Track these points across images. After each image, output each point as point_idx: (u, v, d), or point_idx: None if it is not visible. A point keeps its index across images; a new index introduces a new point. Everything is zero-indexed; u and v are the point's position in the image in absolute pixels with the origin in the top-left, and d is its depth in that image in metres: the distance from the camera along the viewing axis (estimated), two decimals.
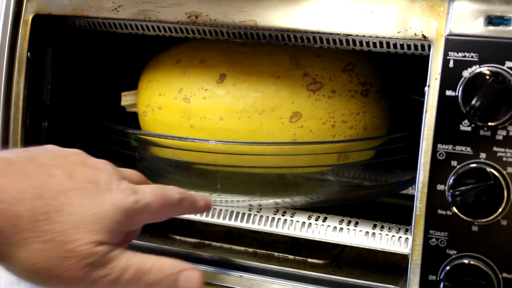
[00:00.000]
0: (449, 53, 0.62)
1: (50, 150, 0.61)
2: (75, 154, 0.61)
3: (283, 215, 0.72)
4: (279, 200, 0.74)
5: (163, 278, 0.58)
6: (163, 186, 0.63)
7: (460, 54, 0.62)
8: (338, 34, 0.67)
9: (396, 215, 0.74)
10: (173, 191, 0.63)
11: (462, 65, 0.61)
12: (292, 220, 0.71)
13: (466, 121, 0.62)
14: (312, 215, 0.71)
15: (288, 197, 0.74)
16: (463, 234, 0.62)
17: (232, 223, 0.73)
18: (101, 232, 0.56)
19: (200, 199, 0.66)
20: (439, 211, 0.63)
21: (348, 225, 0.70)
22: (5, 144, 0.77)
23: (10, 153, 0.58)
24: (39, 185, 0.55)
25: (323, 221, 0.71)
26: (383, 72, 0.79)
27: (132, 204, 0.58)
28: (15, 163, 0.56)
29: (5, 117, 0.77)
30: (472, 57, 0.61)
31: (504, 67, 0.60)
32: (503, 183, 0.61)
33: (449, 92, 0.62)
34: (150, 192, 0.60)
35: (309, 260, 0.76)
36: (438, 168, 0.63)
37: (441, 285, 0.63)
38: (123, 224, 0.58)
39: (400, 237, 0.68)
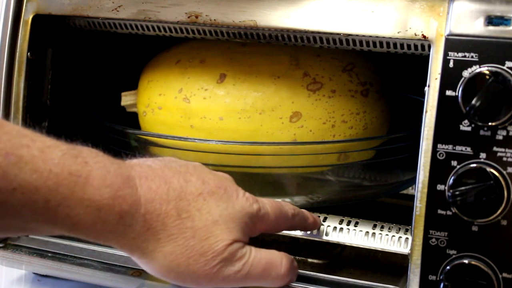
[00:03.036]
0: (449, 53, 0.62)
1: (175, 161, 0.65)
2: (199, 165, 0.66)
3: None
4: (279, 200, 0.74)
5: (285, 272, 0.65)
6: (279, 201, 0.68)
7: (460, 54, 0.62)
8: (338, 34, 0.67)
9: (396, 215, 0.74)
10: (287, 206, 0.68)
11: (462, 65, 0.61)
12: None
13: (466, 121, 0.62)
14: None
15: (288, 197, 0.74)
16: (463, 234, 0.62)
17: None
18: (234, 230, 0.62)
19: (309, 216, 0.70)
20: (439, 211, 0.63)
21: (348, 225, 0.70)
22: None
23: (147, 161, 0.63)
24: (180, 188, 0.61)
25: (323, 221, 0.71)
26: (383, 72, 0.79)
27: (257, 211, 0.64)
28: (155, 169, 0.61)
29: (5, 117, 0.77)
30: (472, 57, 0.61)
31: (504, 67, 0.60)
32: (503, 183, 0.61)
33: (449, 92, 0.62)
34: (268, 203, 0.66)
35: (309, 260, 0.76)
36: (438, 168, 0.63)
37: (441, 285, 0.63)
38: (249, 227, 0.64)
39: (400, 237, 0.68)
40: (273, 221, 0.66)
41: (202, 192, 0.62)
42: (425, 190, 0.63)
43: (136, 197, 0.58)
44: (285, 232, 0.71)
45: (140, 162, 0.62)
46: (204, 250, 0.60)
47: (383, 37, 0.66)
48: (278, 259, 0.64)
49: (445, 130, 0.62)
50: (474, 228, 0.62)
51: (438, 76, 0.62)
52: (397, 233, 0.68)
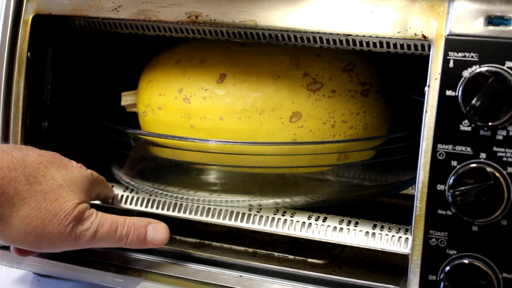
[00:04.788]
0: (449, 53, 0.62)
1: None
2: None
3: (283, 215, 0.72)
4: (279, 200, 0.74)
5: (134, 230, 0.71)
6: None
7: (460, 54, 0.62)
8: (338, 34, 0.67)
9: (396, 215, 0.74)
10: None
11: (462, 65, 0.62)
12: (292, 220, 0.71)
13: (466, 121, 0.62)
14: (312, 215, 0.71)
15: (288, 197, 0.74)
16: (463, 234, 0.62)
17: (232, 223, 0.73)
18: (78, 192, 0.69)
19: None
20: (439, 211, 0.63)
21: (348, 225, 0.70)
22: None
23: None
24: (21, 158, 0.67)
25: (323, 221, 0.71)
26: (383, 72, 0.79)
27: (91, 174, 0.73)
28: None
29: (5, 117, 0.77)
30: (472, 57, 0.61)
31: (504, 67, 0.60)
32: (503, 183, 0.61)
33: (449, 92, 0.62)
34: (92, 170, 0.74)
35: (309, 260, 0.76)
36: (438, 168, 0.63)
37: (441, 285, 0.63)
38: (89, 189, 0.71)
39: (400, 237, 0.68)
40: (103, 182, 0.75)
41: (42, 161, 0.68)
42: (425, 190, 0.63)
43: None
44: (285, 232, 0.71)
45: None
46: (56, 211, 0.66)
47: (383, 37, 0.66)
48: (120, 220, 0.70)
49: (445, 130, 0.62)
50: (474, 228, 0.62)
51: (438, 76, 0.62)
52: (397, 233, 0.68)
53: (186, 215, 0.74)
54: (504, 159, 0.61)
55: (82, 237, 0.68)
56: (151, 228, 0.72)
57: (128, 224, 0.71)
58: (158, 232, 0.72)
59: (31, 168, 0.67)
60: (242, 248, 0.78)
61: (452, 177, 0.62)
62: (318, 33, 0.68)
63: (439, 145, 0.62)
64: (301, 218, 0.71)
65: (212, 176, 0.78)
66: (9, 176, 0.65)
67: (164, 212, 0.75)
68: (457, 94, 0.62)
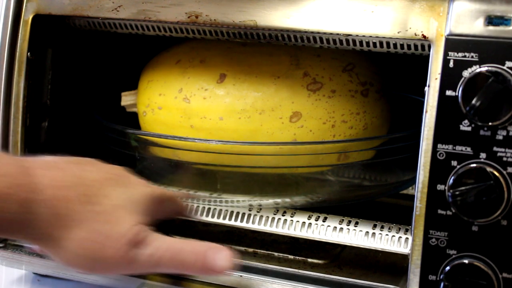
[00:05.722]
0: (449, 53, 0.62)
1: (64, 157, 0.66)
2: (89, 159, 0.67)
3: (283, 215, 0.72)
4: (279, 200, 0.74)
5: (194, 256, 0.63)
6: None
7: (460, 54, 0.62)
8: (338, 34, 0.67)
9: (396, 215, 0.74)
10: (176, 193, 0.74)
11: (462, 65, 0.62)
12: (292, 220, 0.71)
13: (466, 121, 0.62)
14: (312, 215, 0.71)
15: (288, 197, 0.74)
16: (463, 234, 0.62)
17: (232, 223, 0.73)
18: (136, 213, 0.63)
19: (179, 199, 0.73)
20: (439, 211, 0.63)
21: (348, 225, 0.70)
22: (5, 144, 0.77)
23: (39, 157, 0.64)
24: (78, 175, 0.62)
25: (323, 221, 0.71)
26: (383, 72, 0.79)
27: (152, 191, 0.67)
28: (49, 161, 0.63)
29: (5, 117, 0.77)
30: (472, 57, 0.61)
31: (504, 67, 0.60)
32: (503, 183, 0.61)
33: (449, 92, 0.62)
34: (158, 187, 0.70)
35: (309, 260, 0.76)
36: (438, 168, 0.63)
37: (441, 285, 0.63)
38: (151, 209, 0.65)
39: (400, 237, 0.68)
40: (170, 198, 0.70)
41: (100, 178, 0.63)
42: (425, 190, 0.63)
43: (34, 184, 0.58)
44: (285, 232, 0.71)
45: (33, 157, 0.63)
46: (111, 233, 0.61)
47: (383, 37, 0.66)
48: (180, 245, 0.64)
49: (445, 130, 0.62)
50: (474, 228, 0.62)
51: (438, 76, 0.62)
52: (397, 233, 0.68)
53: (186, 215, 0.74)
54: (504, 159, 0.61)
55: (137, 261, 0.61)
56: (212, 255, 0.64)
57: (189, 250, 0.64)
58: (220, 259, 0.64)
59: (87, 186, 0.61)
60: (242, 248, 0.78)
61: (452, 177, 0.62)
62: (318, 33, 0.68)
63: (439, 145, 0.62)
64: (301, 218, 0.71)
65: (212, 176, 0.78)
66: (62, 195, 0.60)
67: None
68: (457, 94, 0.62)
